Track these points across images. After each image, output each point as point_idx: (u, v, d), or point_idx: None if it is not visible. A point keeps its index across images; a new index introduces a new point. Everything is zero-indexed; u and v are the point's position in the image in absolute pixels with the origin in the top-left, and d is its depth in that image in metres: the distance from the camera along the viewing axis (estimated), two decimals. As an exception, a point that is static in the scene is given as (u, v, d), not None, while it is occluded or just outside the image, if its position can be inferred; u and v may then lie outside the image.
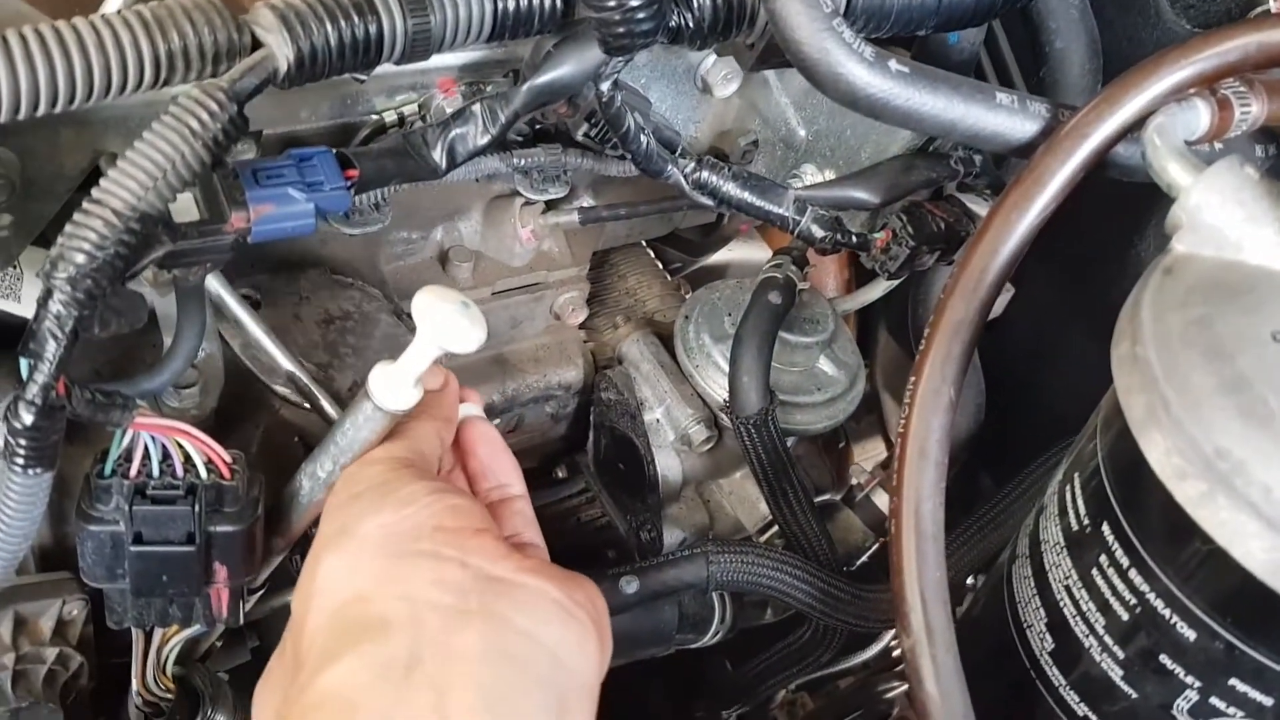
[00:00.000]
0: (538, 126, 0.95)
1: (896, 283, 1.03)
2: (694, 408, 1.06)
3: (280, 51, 0.64)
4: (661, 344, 1.11)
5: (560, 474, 1.17)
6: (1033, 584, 0.72)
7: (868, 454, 1.29)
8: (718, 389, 1.04)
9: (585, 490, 1.16)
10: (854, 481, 1.18)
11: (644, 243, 1.26)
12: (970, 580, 1.04)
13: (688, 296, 1.16)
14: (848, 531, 1.13)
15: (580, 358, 1.11)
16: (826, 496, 1.16)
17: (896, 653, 1.17)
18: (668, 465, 1.07)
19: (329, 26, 0.65)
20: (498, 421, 1.09)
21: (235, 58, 0.64)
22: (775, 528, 1.05)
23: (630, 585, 0.90)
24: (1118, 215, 1.00)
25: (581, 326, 1.14)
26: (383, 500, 0.65)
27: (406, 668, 0.57)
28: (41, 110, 0.60)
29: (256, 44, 0.65)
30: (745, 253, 1.38)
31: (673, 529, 1.07)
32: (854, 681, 1.41)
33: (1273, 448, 0.54)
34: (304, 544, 0.93)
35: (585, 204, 1.05)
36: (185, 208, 0.68)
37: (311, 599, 0.63)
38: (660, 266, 1.26)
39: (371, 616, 0.60)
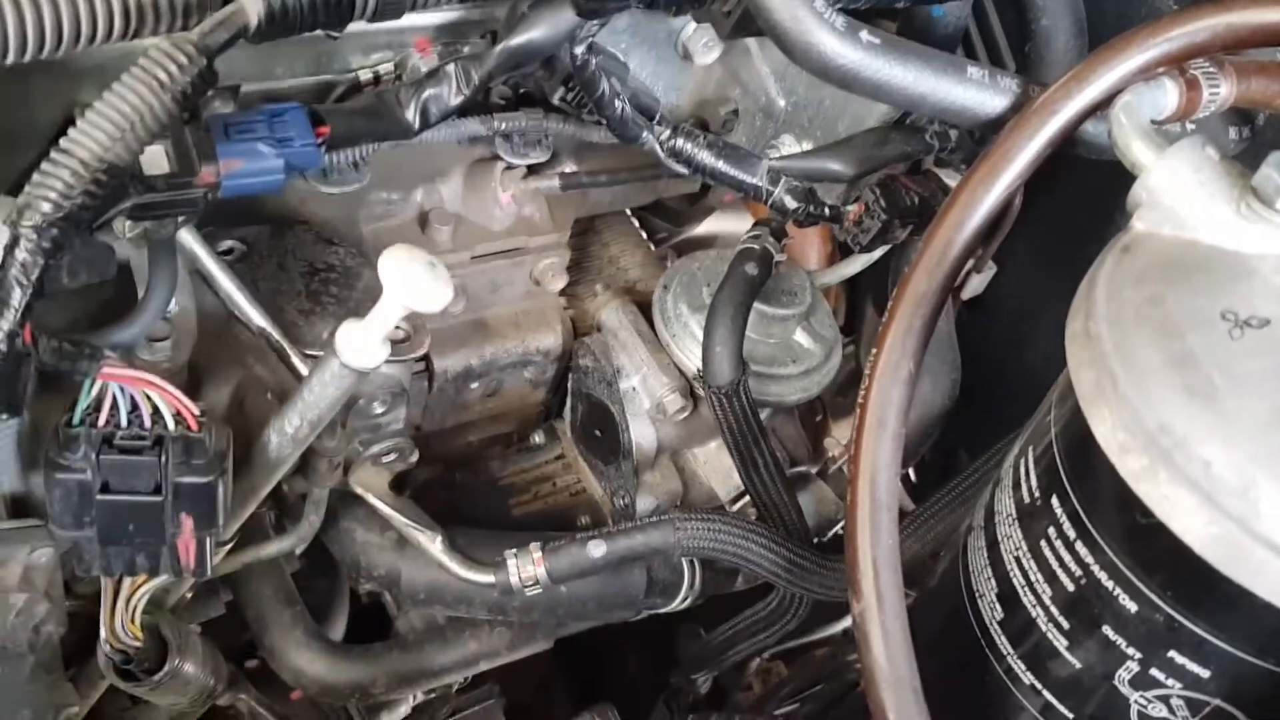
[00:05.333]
0: (521, 90, 0.95)
1: (875, 256, 1.03)
2: (670, 377, 1.06)
3: (251, 6, 0.65)
4: (641, 313, 1.12)
5: (538, 439, 1.18)
6: (985, 555, 0.72)
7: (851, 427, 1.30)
8: (694, 359, 1.04)
9: (561, 456, 1.17)
10: (830, 454, 1.19)
11: (628, 211, 1.26)
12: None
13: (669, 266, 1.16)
14: (820, 503, 1.14)
15: (559, 324, 1.12)
16: (802, 468, 1.17)
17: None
18: (642, 433, 1.07)
19: (300, -18, 0.65)
20: (476, 386, 1.10)
21: (206, 11, 0.65)
22: (748, 497, 1.06)
23: (597, 549, 0.91)
24: (1100, 194, 1.00)
25: (562, 293, 1.14)
26: None
27: None
28: (10, 59, 0.60)
29: (228, -2, 0.65)
30: (732, 224, 1.38)
31: (646, 496, 1.08)
32: (827, 651, 1.43)
33: (1215, 424, 0.55)
34: (277, 500, 0.95)
35: (568, 170, 1.05)
36: (156, 160, 0.68)
37: None
38: (644, 235, 1.27)
39: None
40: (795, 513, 1.01)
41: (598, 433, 1.11)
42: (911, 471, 1.42)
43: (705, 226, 1.36)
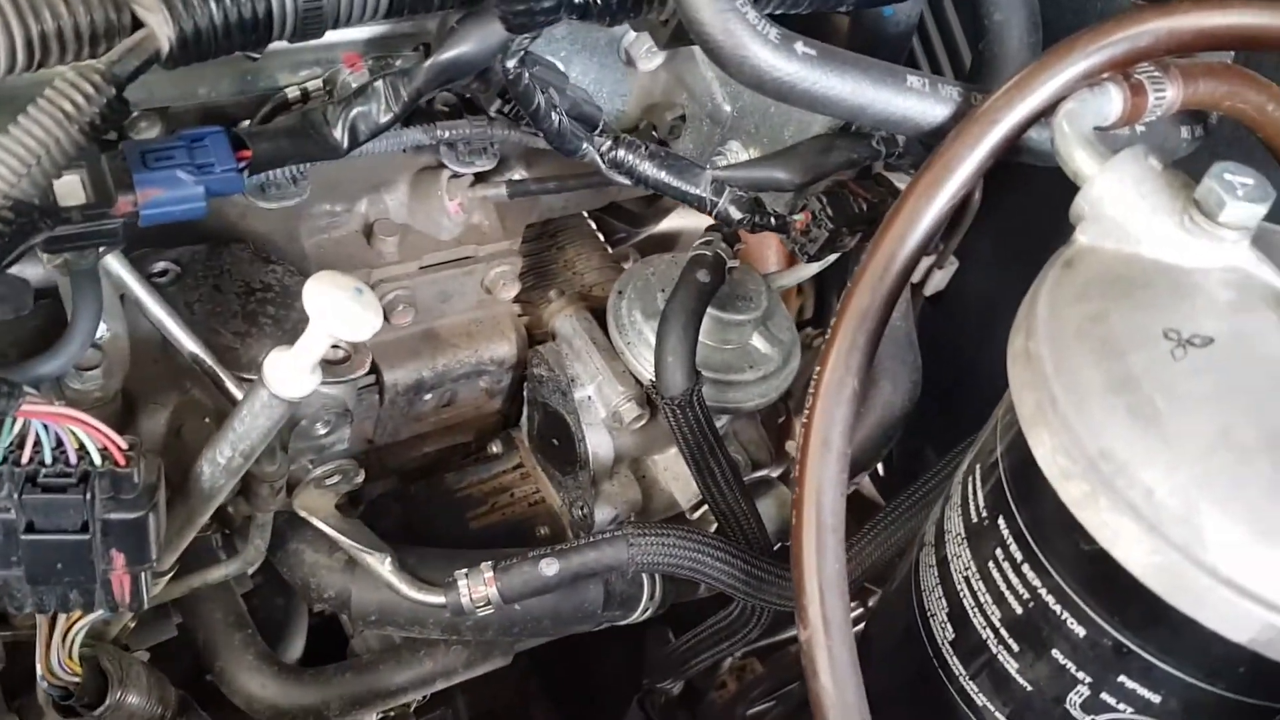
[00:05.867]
0: (466, 96, 0.93)
1: (829, 262, 1.02)
2: (625, 385, 1.04)
3: (161, 31, 0.62)
4: (595, 319, 1.10)
5: (495, 449, 1.16)
6: (936, 573, 0.71)
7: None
8: (649, 366, 1.02)
9: (519, 466, 1.15)
10: (793, 456, 1.17)
11: (585, 213, 1.24)
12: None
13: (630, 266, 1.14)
14: (783, 507, 1.12)
15: (513, 332, 1.10)
16: (764, 472, 1.16)
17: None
18: (599, 442, 1.06)
19: (213, 5, 0.63)
20: (429, 397, 1.08)
21: (115, 38, 0.63)
22: (707, 505, 1.04)
23: (550, 567, 0.90)
24: (1063, 188, 0.98)
25: (516, 300, 1.12)
26: None
27: None
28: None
29: (138, 24, 0.63)
30: (695, 220, 1.36)
31: (605, 506, 1.06)
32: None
33: (1157, 449, 0.54)
34: (223, 521, 0.93)
35: (516, 176, 1.03)
36: (72, 190, 0.66)
37: None
38: (601, 238, 1.25)
39: None
40: (755, 521, 0.99)
41: (555, 442, 1.09)
42: (880, 466, 1.41)
43: (667, 223, 1.34)
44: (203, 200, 0.67)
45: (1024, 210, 1.09)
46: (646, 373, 1.03)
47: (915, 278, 1.00)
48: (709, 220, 1.34)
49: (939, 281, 1.20)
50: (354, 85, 0.78)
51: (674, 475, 1.10)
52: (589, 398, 1.06)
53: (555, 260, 1.20)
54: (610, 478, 1.08)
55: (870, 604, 1.23)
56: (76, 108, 0.60)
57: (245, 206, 0.90)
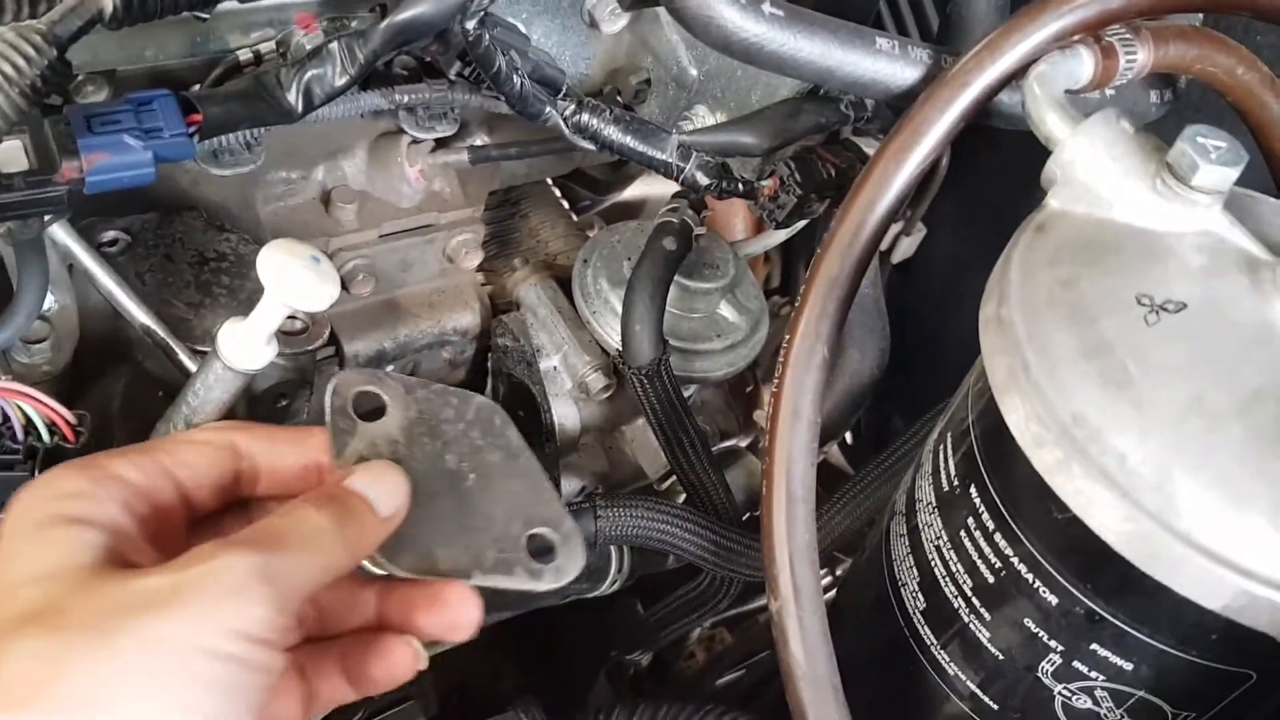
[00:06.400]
0: (426, 60, 0.91)
1: (798, 228, 1.00)
2: (591, 355, 1.03)
3: (105, -11, 0.60)
4: (561, 288, 1.08)
5: (460, 420, 1.15)
6: (907, 542, 0.70)
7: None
8: (616, 335, 1.01)
9: (484, 437, 1.14)
10: (761, 425, 1.17)
11: (550, 180, 1.22)
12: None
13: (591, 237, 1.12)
14: (751, 476, 1.12)
15: (476, 302, 1.08)
16: (732, 442, 1.15)
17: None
18: (565, 414, 1.04)
19: (158, -38, 0.61)
20: (392, 368, 1.06)
21: (56, -3, 0.60)
22: (675, 475, 1.03)
23: (516, 540, 0.88)
24: (1031, 153, 0.98)
25: (479, 269, 1.10)
26: None
27: None
28: None
29: (80, -19, 0.60)
30: (660, 187, 1.34)
31: (571, 477, 1.05)
32: (770, 617, 1.42)
33: (1129, 415, 0.53)
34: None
35: (478, 142, 1.01)
36: (14, 157, 0.64)
37: None
38: (566, 206, 1.23)
39: None
40: (724, 491, 0.99)
41: (520, 413, 1.07)
42: (849, 435, 1.41)
43: (632, 191, 1.32)
44: (151, 166, 0.65)
45: (990, 177, 1.08)
46: (613, 342, 1.01)
47: (883, 245, 0.99)
48: (674, 187, 1.34)
49: (906, 249, 1.19)
50: (308, 47, 0.76)
51: (641, 446, 1.09)
52: (555, 368, 1.05)
53: (519, 228, 1.18)
54: (576, 449, 1.07)
55: (839, 573, 1.22)
56: (16, 70, 0.57)
57: (197, 174, 0.87)
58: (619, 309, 1.00)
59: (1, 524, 0.50)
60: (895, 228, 1.15)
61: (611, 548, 1.01)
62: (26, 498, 0.50)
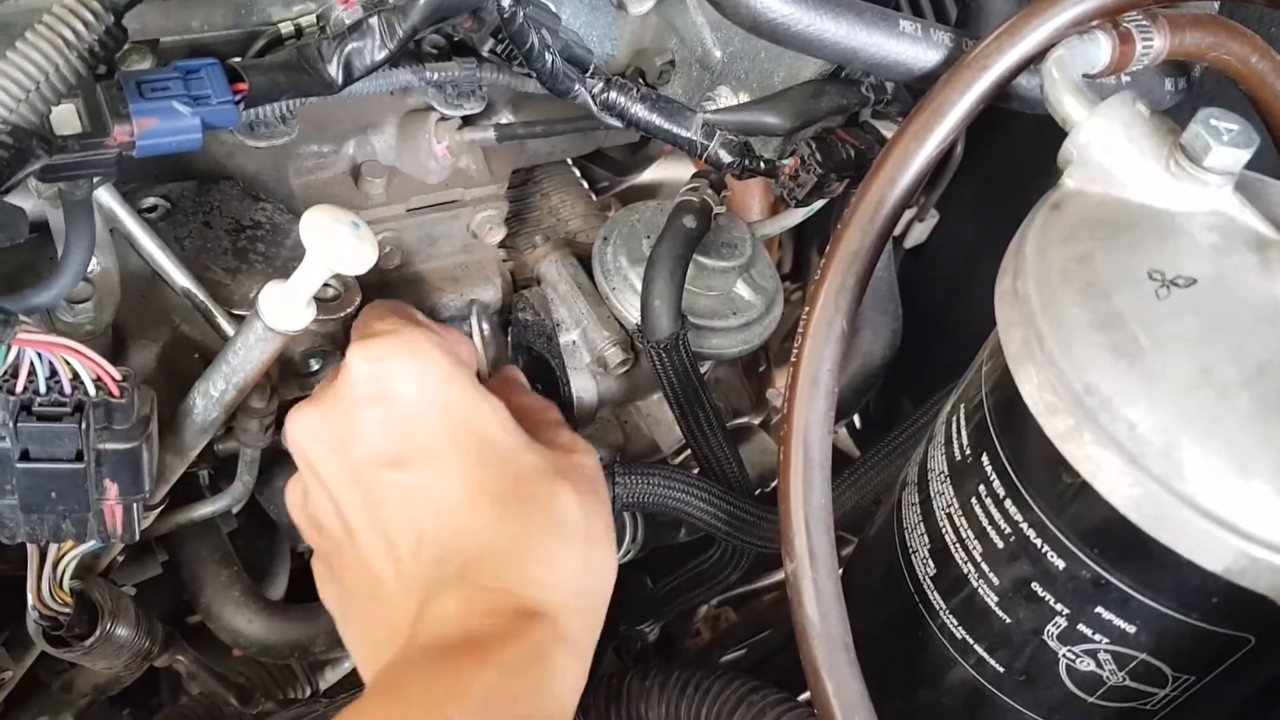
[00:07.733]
0: (456, 39, 0.93)
1: (815, 209, 1.03)
2: (610, 330, 1.05)
3: (160, -42, 0.62)
4: (581, 265, 1.11)
5: (479, 393, 1.17)
6: (919, 510, 0.73)
7: (795, 377, 1.30)
8: (634, 311, 1.03)
9: (503, 410, 1.16)
10: (773, 404, 1.19)
11: (570, 161, 1.24)
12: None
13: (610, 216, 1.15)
14: (763, 454, 1.14)
15: (499, 277, 1.10)
16: (744, 419, 1.17)
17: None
18: (583, 387, 1.07)
19: (211, -66, 0.63)
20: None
21: (113, -35, 0.62)
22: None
23: (536, 505, 0.91)
24: (1043, 141, 1.00)
25: (501, 245, 1.13)
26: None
27: None
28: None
29: (136, -50, 0.63)
30: (676, 171, 1.37)
31: (588, 450, 1.07)
32: (775, 597, 1.45)
33: (1140, 385, 0.55)
34: (212, 458, 0.93)
35: (504, 120, 1.03)
36: (68, 120, 0.66)
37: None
38: (585, 185, 1.25)
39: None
40: (737, 465, 1.01)
41: (539, 386, 1.10)
42: (857, 418, 1.43)
43: (649, 174, 1.34)
44: (199, 132, 0.67)
45: (1002, 166, 1.10)
46: (632, 318, 1.04)
47: (896, 231, 1.01)
48: (689, 171, 1.36)
49: (919, 234, 1.22)
50: (348, 21, 0.78)
51: (656, 421, 1.11)
52: (574, 342, 1.07)
53: (540, 206, 1.20)
54: (593, 422, 1.09)
55: (844, 555, 1.25)
56: (76, 34, 0.60)
57: (233, 145, 0.90)
58: (638, 286, 1.02)
59: None
60: (909, 213, 1.17)
61: (626, 516, 1.04)
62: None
